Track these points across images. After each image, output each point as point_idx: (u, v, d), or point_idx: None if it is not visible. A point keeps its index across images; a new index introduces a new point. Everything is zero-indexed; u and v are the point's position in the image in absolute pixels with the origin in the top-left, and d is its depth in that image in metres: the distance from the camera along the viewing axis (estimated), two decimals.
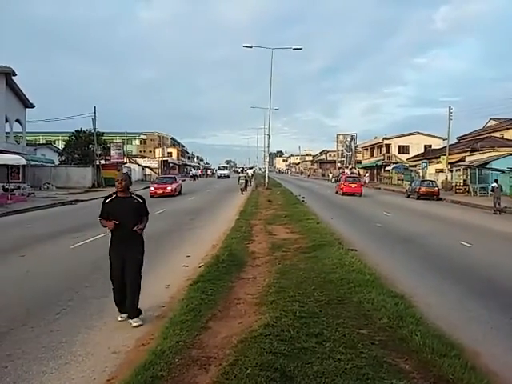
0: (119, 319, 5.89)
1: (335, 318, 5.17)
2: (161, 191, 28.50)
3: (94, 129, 42.60)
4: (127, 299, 5.73)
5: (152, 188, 29.02)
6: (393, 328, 4.96)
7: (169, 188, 28.96)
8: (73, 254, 10.39)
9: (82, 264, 9.30)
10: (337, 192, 34.71)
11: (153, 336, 5.14)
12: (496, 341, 5.31)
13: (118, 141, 61.12)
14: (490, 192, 26.93)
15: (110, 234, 5.95)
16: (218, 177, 74.16)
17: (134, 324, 5.66)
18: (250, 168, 77.30)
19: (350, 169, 69.45)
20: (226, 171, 77.72)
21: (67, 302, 6.68)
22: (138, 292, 5.72)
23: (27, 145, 40.29)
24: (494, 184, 23.13)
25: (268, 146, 46.60)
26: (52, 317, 6.02)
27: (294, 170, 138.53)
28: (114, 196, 5.87)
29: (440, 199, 30.27)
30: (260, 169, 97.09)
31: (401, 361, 4.13)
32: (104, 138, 48.41)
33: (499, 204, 22.12)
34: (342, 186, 33.42)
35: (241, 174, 37.00)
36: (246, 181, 35.62)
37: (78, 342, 5.20)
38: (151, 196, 27.11)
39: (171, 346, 4.44)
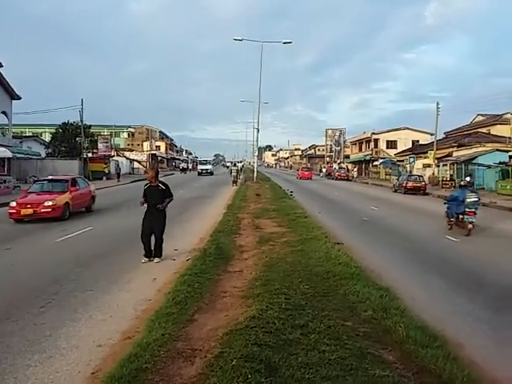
0: (142, 261, 8.69)
1: (320, 311, 5.21)
2: (30, 210, 14.14)
3: (81, 121, 42.17)
4: (155, 247, 8.76)
5: (13, 205, 14.26)
6: (377, 320, 5.02)
7: (48, 204, 14.28)
8: (58, 248, 10.33)
9: (67, 258, 9.24)
10: (296, 177, 52.88)
11: (138, 329, 5.12)
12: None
13: (105, 134, 60.66)
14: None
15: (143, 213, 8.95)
16: (199, 173, 57.44)
17: (156, 260, 8.74)
18: (240, 162, 75.74)
19: (339, 163, 69.72)
20: (208, 166, 61.11)
21: (52, 295, 6.64)
22: (161, 243, 8.83)
23: (13, 137, 39.68)
24: (468, 178, 23.34)
25: (257, 140, 46.46)
26: (36, 310, 5.99)
27: (282, 164, 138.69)
28: (148, 184, 8.86)
29: (427, 194, 30.57)
30: (250, 163, 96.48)
31: (384, 352, 4.18)
32: (91, 130, 48.00)
33: None
34: (299, 173, 54.27)
35: (233, 167, 40.33)
36: (237, 173, 38.09)
37: (63, 335, 5.18)
38: (14, 220, 14.26)
39: (156, 339, 4.44)
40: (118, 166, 45.19)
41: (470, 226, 12.64)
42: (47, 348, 4.81)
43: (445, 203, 13.94)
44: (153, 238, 8.75)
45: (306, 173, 52.90)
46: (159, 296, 6.42)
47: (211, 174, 58.49)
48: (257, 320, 4.76)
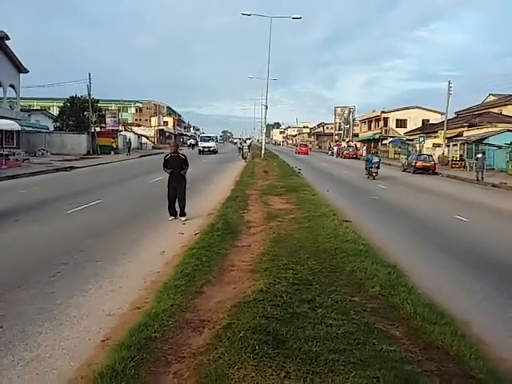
0: (169, 219, 10.55)
1: (328, 286, 5.22)
2: None
3: (89, 95, 41.94)
4: (179, 207, 10.65)
5: None
6: (384, 296, 5.02)
7: None
8: (68, 220, 10.39)
9: (76, 229, 9.32)
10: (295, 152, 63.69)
11: (147, 300, 5.17)
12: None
13: (113, 108, 60.41)
14: (474, 161, 29.60)
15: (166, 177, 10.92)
16: (201, 151, 49.55)
17: (183, 219, 10.57)
18: (248, 139, 74.81)
19: (347, 142, 69.16)
20: (211, 143, 50.95)
21: (62, 265, 6.70)
22: (184, 203, 10.68)
23: (21, 110, 39.70)
24: (479, 155, 26.56)
25: (265, 117, 46.01)
26: (47, 279, 6.06)
27: (290, 141, 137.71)
28: (169, 155, 10.76)
29: (436, 173, 30.29)
30: (258, 140, 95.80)
31: (391, 328, 4.19)
32: (99, 105, 47.78)
33: (482, 173, 25.25)
34: (298, 149, 65.32)
35: (244, 144, 41.99)
36: (248, 149, 39.61)
37: (73, 304, 5.24)
38: None
39: (165, 309, 4.49)
40: (128, 140, 47.93)
41: (374, 174, 23.37)
42: (57, 316, 4.88)
43: (366, 165, 24.55)
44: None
45: (304, 148, 64.07)
46: (168, 268, 6.47)
47: (214, 152, 49.57)
48: (264, 293, 4.78)
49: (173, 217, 10.63)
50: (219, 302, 4.84)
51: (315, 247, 7.23)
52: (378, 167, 23.33)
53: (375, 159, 23.76)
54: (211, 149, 49.58)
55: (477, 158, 27.05)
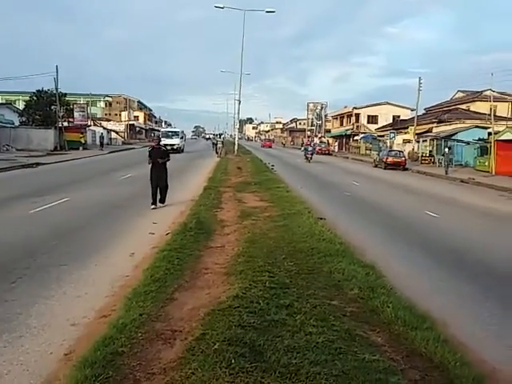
0: (152, 207, 11.50)
1: (306, 289, 5.03)
2: None
3: (56, 89, 40.53)
4: (161, 196, 11.83)
5: None
6: (364, 299, 4.87)
7: None
8: (31, 220, 9.89)
9: (40, 230, 8.86)
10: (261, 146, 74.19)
11: (115, 307, 4.87)
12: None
13: (81, 102, 58.76)
14: (441, 156, 31.94)
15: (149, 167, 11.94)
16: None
17: (160, 205, 11.78)
18: (221, 134, 74.04)
19: (320, 138, 69.57)
20: (175, 140, 40.83)
21: (24, 270, 6.31)
22: (166, 192, 11.93)
23: None
24: (446, 149, 29.20)
25: (238, 112, 45.69)
26: (7, 286, 5.67)
27: (263, 137, 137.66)
28: (152, 147, 12.14)
29: (406, 169, 30.73)
30: (230, 135, 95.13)
31: (373, 333, 4.03)
32: (67, 99, 46.29)
33: (447, 166, 27.43)
34: (263, 143, 78.69)
35: (218, 139, 43.74)
36: (222, 145, 39.86)
37: (35, 312, 4.91)
38: None
39: (134, 319, 4.19)
40: (101, 135, 47.37)
41: (310, 158, 33.71)
42: (17, 327, 4.54)
43: (302, 150, 37.97)
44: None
45: (268, 143, 78.00)
46: (137, 272, 6.16)
47: (179, 151, 39.22)
48: (240, 299, 4.54)
49: (154, 205, 11.58)
50: (192, 309, 4.57)
51: (291, 247, 7.04)
52: (312, 153, 34.79)
53: (310, 148, 35.60)
54: (174, 147, 37.52)
55: (443, 154, 29.51)
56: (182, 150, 41.90)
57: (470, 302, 5.69)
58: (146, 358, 3.55)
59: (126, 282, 5.87)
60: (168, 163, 12.12)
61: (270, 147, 70.33)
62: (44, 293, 5.48)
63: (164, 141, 36.23)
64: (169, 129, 55.21)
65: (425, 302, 5.22)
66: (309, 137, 73.26)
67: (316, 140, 66.03)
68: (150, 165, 11.79)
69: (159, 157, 11.76)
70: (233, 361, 3.28)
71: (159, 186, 11.69)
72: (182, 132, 48.84)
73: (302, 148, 37.75)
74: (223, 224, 9.36)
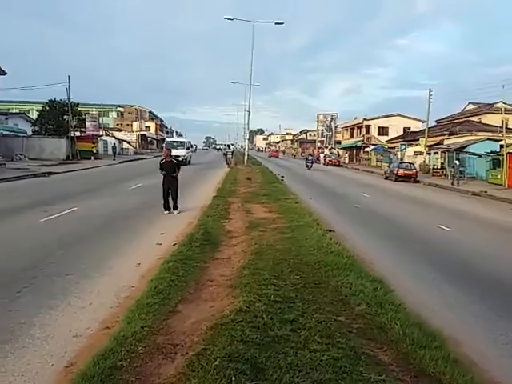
0: (165, 213, 12.37)
1: (311, 304, 4.91)
2: None
3: (69, 99, 41.08)
4: (173, 203, 12.54)
5: None
6: (371, 315, 4.74)
7: None
8: (40, 229, 9.91)
9: (49, 239, 8.85)
10: (268, 156, 79.73)
11: (118, 318, 4.81)
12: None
13: (94, 112, 59.44)
14: (451, 168, 32.00)
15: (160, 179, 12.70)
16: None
17: (176, 212, 12.51)
18: (232, 145, 74.13)
19: (330, 149, 69.36)
20: (180, 151, 35.23)
21: (30, 279, 6.28)
22: (177, 200, 12.60)
23: None
24: (456, 162, 29.90)
25: (248, 123, 45.61)
26: (12, 295, 5.65)
27: (273, 148, 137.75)
28: (164, 160, 12.65)
29: (417, 181, 30.44)
30: (241, 146, 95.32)
31: (379, 352, 3.89)
32: (79, 109, 46.80)
33: (457, 178, 27.63)
34: (270, 153, 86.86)
35: (228, 150, 46.88)
36: (232, 155, 42.44)
37: (38, 323, 4.87)
38: None
39: (135, 332, 4.12)
40: (114, 145, 49.72)
41: (310, 166, 40.49)
42: (20, 337, 4.50)
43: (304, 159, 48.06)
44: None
45: (275, 153, 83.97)
46: (143, 283, 6.10)
47: (185, 163, 32.16)
48: (244, 313, 4.44)
49: (167, 211, 12.48)
50: (194, 322, 4.48)
51: (298, 260, 6.93)
52: (312, 162, 41.63)
53: (310, 158, 42.87)
54: (180, 159, 29.03)
55: (453, 166, 30.00)
56: (189, 162, 37.98)
57: (482, 319, 5.52)
58: (146, 372, 3.47)
59: (131, 292, 5.81)
60: (184, 169, 12.79)
61: (277, 157, 75.71)
62: (49, 303, 5.45)
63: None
64: (173, 138, 50.12)
65: (435, 318, 5.09)
66: (319, 148, 73.16)
67: (326, 151, 65.80)
68: (162, 175, 12.54)
69: (171, 171, 12.44)
70: (233, 378, 3.18)
71: (171, 195, 12.45)
72: (189, 142, 44.21)
73: (305, 160, 43.72)
74: (230, 235, 9.29)
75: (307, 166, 40.53)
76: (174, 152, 31.38)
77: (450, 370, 3.54)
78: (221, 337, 3.91)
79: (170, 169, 12.44)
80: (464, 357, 4.20)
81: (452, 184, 27.14)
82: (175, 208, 12.56)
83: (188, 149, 40.47)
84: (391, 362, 3.71)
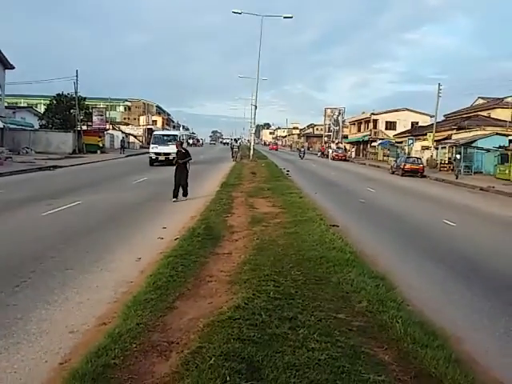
0: (173, 200, 13.38)
1: (311, 301, 4.81)
2: None
3: (76, 93, 41.16)
4: (183, 191, 13.80)
5: None
6: (372, 313, 4.62)
7: None
8: (42, 222, 9.89)
9: (50, 233, 8.84)
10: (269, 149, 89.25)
11: (115, 314, 4.74)
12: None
13: (101, 106, 59.49)
14: (453, 161, 33.04)
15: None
16: (152, 161, 28.07)
17: (183, 198, 13.74)
18: (238, 139, 73.77)
19: (337, 143, 69.00)
20: (169, 147, 26.04)
21: (29, 273, 6.23)
22: (187, 188, 13.96)
23: (7, 108, 38.74)
24: (458, 156, 31.23)
25: (254, 117, 45.40)
26: (10, 290, 5.60)
27: (280, 142, 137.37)
28: (177, 150, 14.34)
29: (424, 176, 30.17)
30: (247, 140, 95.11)
31: (380, 351, 3.78)
32: (86, 103, 46.92)
33: (457, 172, 29.14)
34: (270, 146, 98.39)
35: (234, 144, 46.70)
36: (238, 149, 42.55)
37: (35, 318, 4.81)
38: None
39: (130, 329, 4.03)
40: (122, 139, 50.39)
41: (302, 156, 51.98)
42: (15, 332, 4.45)
43: (296, 151, 68.94)
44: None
45: (274, 146, 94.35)
46: (142, 278, 6.02)
47: (169, 160, 24.40)
48: (242, 310, 4.35)
49: (175, 198, 13.45)
50: (191, 319, 4.39)
51: (300, 255, 6.81)
52: (304, 153, 53.39)
53: (302, 149, 54.57)
54: (170, 157, 24.68)
55: (454, 159, 31.43)
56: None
57: (486, 317, 5.39)
58: (139, 371, 3.38)
59: (129, 288, 5.74)
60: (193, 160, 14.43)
61: (276, 150, 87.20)
62: (46, 298, 5.39)
63: (155, 148, 28.53)
64: (163, 131, 41.08)
65: (437, 316, 4.98)
66: (325, 143, 72.76)
67: (333, 146, 65.47)
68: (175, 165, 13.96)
69: (181, 158, 13.91)
70: (228, 378, 3.09)
71: (181, 183, 13.59)
72: (181, 136, 31.22)
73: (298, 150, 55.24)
74: (232, 230, 9.19)
75: (300, 157, 51.81)
76: (163, 148, 27.55)
77: (452, 371, 3.42)
78: (217, 334, 3.82)
79: (181, 157, 13.90)
80: (466, 355, 4.10)
81: (456, 178, 27.61)
82: (185, 194, 13.79)
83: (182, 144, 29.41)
84: (391, 361, 3.60)
